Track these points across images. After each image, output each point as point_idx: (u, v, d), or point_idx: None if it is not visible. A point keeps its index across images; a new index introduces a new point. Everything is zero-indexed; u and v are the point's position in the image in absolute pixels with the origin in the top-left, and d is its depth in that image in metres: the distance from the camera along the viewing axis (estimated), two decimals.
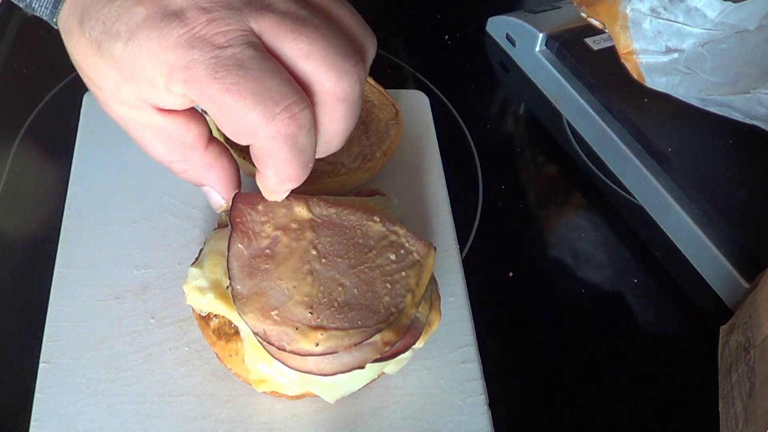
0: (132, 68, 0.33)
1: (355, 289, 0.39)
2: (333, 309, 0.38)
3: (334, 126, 0.35)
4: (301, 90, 0.33)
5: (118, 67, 0.33)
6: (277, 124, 0.32)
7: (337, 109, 0.35)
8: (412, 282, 0.40)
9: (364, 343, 0.38)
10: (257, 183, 0.38)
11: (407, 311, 0.39)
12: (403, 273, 0.40)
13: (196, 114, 0.37)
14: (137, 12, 0.32)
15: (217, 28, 0.32)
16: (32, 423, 0.40)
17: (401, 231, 0.42)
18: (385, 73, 0.68)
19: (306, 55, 0.33)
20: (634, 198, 0.59)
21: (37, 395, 0.41)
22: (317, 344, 0.37)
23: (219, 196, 0.40)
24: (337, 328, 0.38)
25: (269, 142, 0.33)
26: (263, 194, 0.39)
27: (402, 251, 0.41)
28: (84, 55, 0.35)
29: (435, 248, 0.42)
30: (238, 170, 0.40)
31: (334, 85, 0.34)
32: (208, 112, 0.34)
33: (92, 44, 0.34)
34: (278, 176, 0.36)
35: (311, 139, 0.34)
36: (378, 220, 0.42)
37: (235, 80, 0.32)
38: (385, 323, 0.38)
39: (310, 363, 0.38)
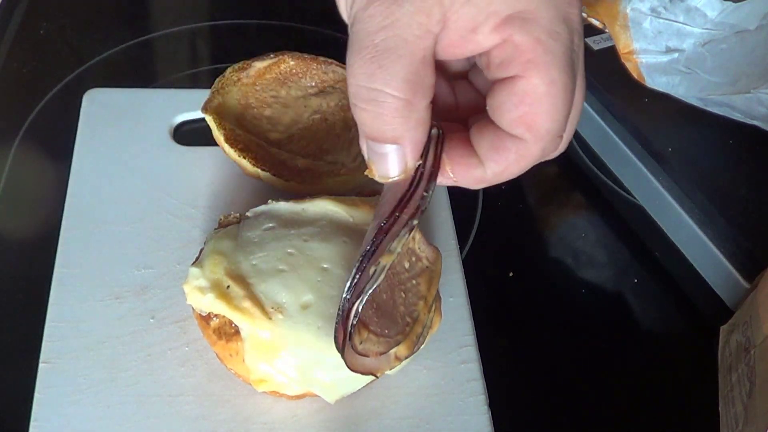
0: None
1: (384, 295, 0.38)
2: (372, 311, 0.37)
3: None
4: None
5: None
6: (560, 148, 0.34)
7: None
8: (423, 289, 0.40)
9: (383, 355, 0.37)
10: (468, 175, 0.35)
11: (420, 318, 0.39)
12: (414, 281, 0.40)
13: (436, 72, 0.33)
14: None
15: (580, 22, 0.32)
16: (32, 423, 0.40)
17: (417, 236, 0.41)
18: None
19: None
20: (634, 198, 0.59)
21: (37, 395, 0.41)
22: (360, 342, 0.36)
23: (398, 164, 0.34)
24: (373, 333, 0.37)
25: (539, 154, 0.33)
26: (467, 182, 0.35)
27: (413, 258, 0.40)
28: None
29: (441, 254, 0.42)
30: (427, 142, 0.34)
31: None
32: (514, 92, 0.31)
33: None
34: (507, 173, 0.34)
35: None
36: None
37: (572, 84, 0.31)
38: (402, 334, 0.38)
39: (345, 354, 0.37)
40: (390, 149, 0.34)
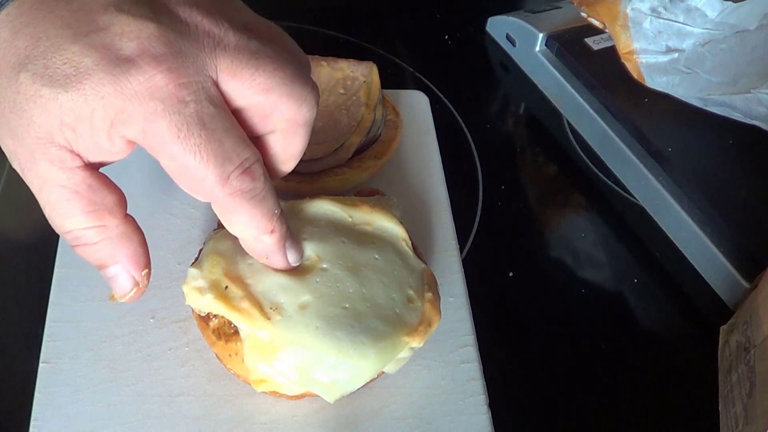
0: (76, 113, 0.31)
1: (320, 123, 0.49)
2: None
3: (292, 149, 0.37)
4: (251, 144, 0.34)
5: (60, 113, 0.31)
6: (233, 182, 0.33)
7: (297, 134, 0.36)
8: (363, 97, 0.51)
9: (338, 149, 0.50)
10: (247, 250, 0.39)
11: (366, 117, 0.50)
12: (354, 97, 0.51)
13: (112, 182, 0.36)
14: (87, 56, 0.31)
15: (178, 79, 0.31)
16: (32, 423, 0.40)
17: (344, 64, 0.51)
18: (385, 73, 0.67)
19: (266, 89, 0.33)
20: (634, 198, 0.59)
21: (37, 395, 0.41)
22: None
23: (128, 280, 0.36)
24: (319, 143, 0.49)
25: (228, 200, 0.34)
26: (258, 258, 0.39)
27: (348, 81, 0.51)
28: (12, 102, 0.31)
29: (375, 65, 0.52)
30: (147, 251, 0.37)
31: (295, 113, 0.35)
32: (163, 166, 0.33)
33: (29, 89, 0.31)
34: (249, 231, 0.36)
35: (268, 186, 0.35)
36: (325, 64, 0.52)
37: (197, 141, 0.32)
38: (350, 132, 0.50)
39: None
40: (111, 273, 0.37)
